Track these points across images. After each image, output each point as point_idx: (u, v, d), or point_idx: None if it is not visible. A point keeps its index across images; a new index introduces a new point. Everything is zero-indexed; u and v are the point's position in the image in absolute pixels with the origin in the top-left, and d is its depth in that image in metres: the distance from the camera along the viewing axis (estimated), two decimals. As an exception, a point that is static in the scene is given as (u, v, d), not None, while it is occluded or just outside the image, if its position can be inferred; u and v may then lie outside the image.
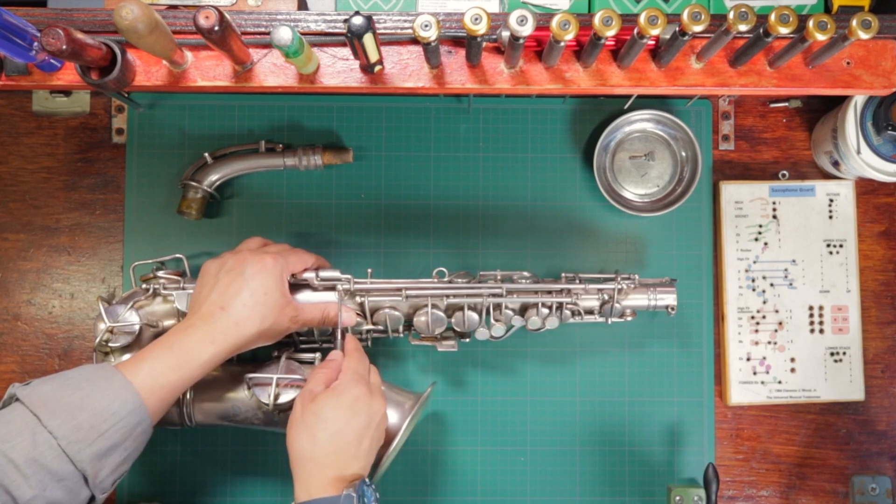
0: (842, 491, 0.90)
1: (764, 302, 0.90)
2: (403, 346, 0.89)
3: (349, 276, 0.80)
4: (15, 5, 0.70)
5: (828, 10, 0.84)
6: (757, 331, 0.90)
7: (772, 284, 0.90)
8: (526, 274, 0.84)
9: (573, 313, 0.83)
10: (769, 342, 0.90)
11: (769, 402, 0.89)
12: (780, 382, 0.89)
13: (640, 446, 0.89)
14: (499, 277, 0.83)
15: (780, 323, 0.90)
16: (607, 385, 0.90)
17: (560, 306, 0.82)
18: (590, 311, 0.83)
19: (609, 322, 0.84)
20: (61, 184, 0.90)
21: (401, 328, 0.83)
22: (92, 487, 0.65)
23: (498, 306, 0.81)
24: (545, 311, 0.81)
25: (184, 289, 0.80)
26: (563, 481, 0.89)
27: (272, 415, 0.78)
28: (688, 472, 0.89)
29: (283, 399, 0.77)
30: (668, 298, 0.84)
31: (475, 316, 0.81)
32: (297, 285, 0.79)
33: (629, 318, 0.84)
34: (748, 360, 0.89)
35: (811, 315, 0.90)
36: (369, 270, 0.81)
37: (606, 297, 0.83)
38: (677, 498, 0.87)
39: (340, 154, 0.88)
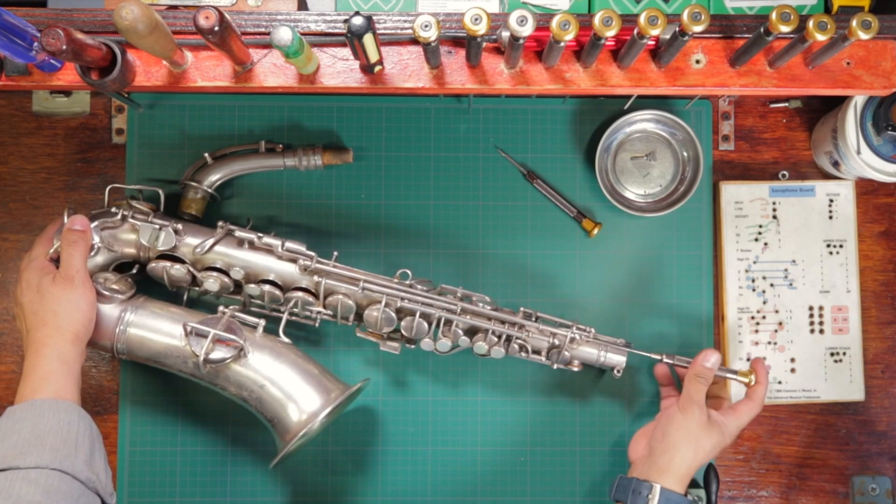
0: (842, 491, 0.90)
1: (764, 302, 0.90)
2: (349, 335, 0.88)
3: (313, 254, 0.80)
4: (15, 5, 0.70)
5: (828, 10, 0.84)
6: (757, 331, 0.90)
7: (772, 285, 0.90)
8: (487, 299, 0.84)
9: (521, 349, 0.83)
10: (769, 342, 0.90)
11: (769, 403, 0.89)
12: (780, 383, 0.89)
13: (641, 446, 0.89)
14: (459, 295, 0.83)
15: (780, 323, 0.90)
16: (607, 385, 0.90)
17: (509, 339, 0.82)
18: (537, 351, 0.83)
19: (554, 367, 0.84)
20: (61, 184, 0.90)
21: (351, 317, 0.83)
22: (103, 494, 0.67)
23: (449, 322, 0.81)
24: (494, 338, 0.81)
25: (152, 223, 0.80)
26: (563, 481, 0.89)
27: (200, 367, 0.77)
28: (688, 472, 0.89)
29: (215, 355, 0.77)
30: (617, 360, 0.83)
31: (425, 325, 0.81)
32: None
33: (575, 369, 0.84)
34: (748, 360, 0.89)
35: (811, 315, 0.90)
36: (335, 253, 0.82)
37: (556, 342, 0.82)
38: (677, 498, 0.87)
39: (340, 154, 0.88)
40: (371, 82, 0.74)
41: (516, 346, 0.82)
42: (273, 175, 0.90)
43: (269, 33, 0.73)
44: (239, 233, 0.81)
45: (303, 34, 0.72)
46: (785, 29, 0.65)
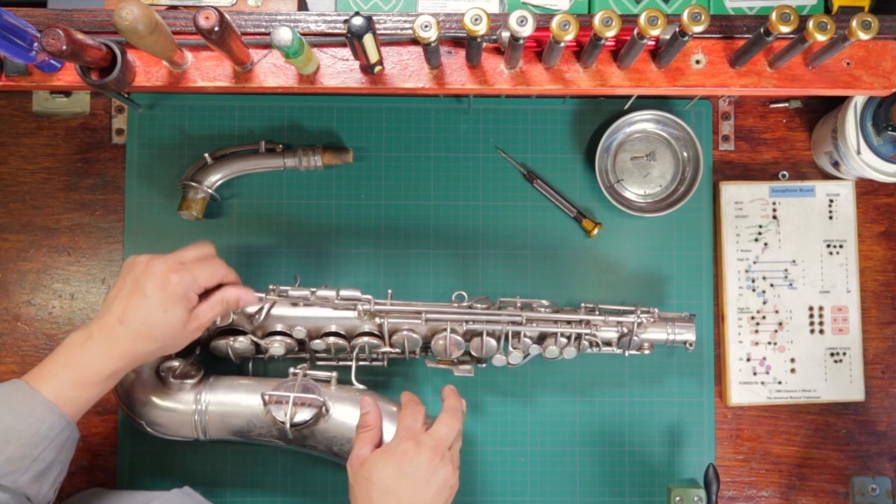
0: (842, 491, 0.90)
1: (764, 302, 0.90)
2: (419, 368, 0.89)
3: (370, 297, 0.80)
4: (15, 5, 0.70)
5: (828, 10, 0.84)
6: (757, 331, 0.90)
7: (772, 285, 0.90)
8: (545, 302, 0.84)
9: (591, 344, 0.83)
10: (769, 342, 0.89)
11: (769, 403, 0.89)
12: (780, 383, 0.89)
13: (640, 446, 0.89)
14: (518, 305, 0.83)
15: (780, 323, 0.90)
16: (607, 385, 0.90)
17: (578, 337, 0.82)
18: (608, 343, 0.83)
19: (626, 354, 0.85)
20: (61, 184, 0.90)
21: (418, 350, 0.84)
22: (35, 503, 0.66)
23: (517, 334, 0.81)
24: (563, 340, 0.81)
25: None
26: (563, 481, 0.89)
27: (287, 433, 0.78)
28: (688, 472, 0.89)
29: (299, 418, 0.77)
30: (687, 334, 0.83)
31: (493, 342, 0.81)
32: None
33: (647, 352, 0.85)
34: (748, 360, 0.89)
35: (811, 315, 0.90)
36: (389, 291, 0.82)
37: (625, 329, 0.82)
38: (677, 498, 0.87)
39: (340, 154, 0.88)
40: (371, 82, 0.74)
41: (587, 343, 0.82)
42: (273, 175, 0.90)
43: (269, 33, 0.73)
44: (292, 292, 0.80)
45: (303, 34, 0.72)
46: (785, 29, 0.65)
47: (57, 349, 0.69)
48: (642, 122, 0.89)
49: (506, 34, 0.71)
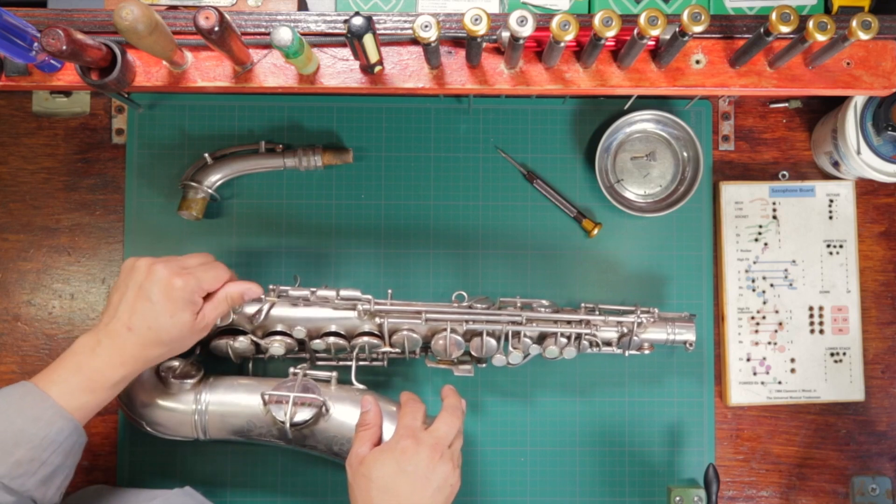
0: (842, 491, 0.90)
1: (764, 302, 0.90)
2: (419, 368, 0.89)
3: (370, 297, 0.80)
4: (15, 5, 0.70)
5: (828, 10, 0.84)
6: (757, 331, 0.90)
7: (772, 285, 0.90)
8: (545, 302, 0.84)
9: (591, 344, 0.83)
10: (769, 342, 0.89)
11: (769, 403, 0.89)
12: (780, 383, 0.89)
13: (640, 446, 0.89)
14: (518, 305, 0.83)
15: (780, 323, 0.90)
16: (607, 385, 0.90)
17: (578, 337, 0.82)
18: (608, 343, 0.83)
19: (626, 354, 0.85)
20: (61, 184, 0.90)
21: (418, 350, 0.84)
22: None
23: (517, 334, 0.81)
24: (563, 340, 0.81)
25: None
26: (563, 481, 0.89)
27: (287, 432, 0.78)
28: (688, 472, 0.89)
29: (299, 418, 0.77)
30: (687, 334, 0.83)
31: (493, 342, 0.81)
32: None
33: (647, 352, 0.85)
34: (748, 360, 0.89)
35: (811, 315, 0.90)
36: (389, 291, 0.81)
37: (625, 329, 0.82)
38: (677, 498, 0.87)
39: (340, 154, 0.88)
40: (371, 82, 0.74)
41: (587, 343, 0.82)
42: (273, 175, 0.90)
43: (269, 33, 0.73)
44: (292, 292, 0.80)
45: (303, 34, 0.72)
46: (785, 29, 0.65)
47: (65, 353, 0.69)
48: (642, 122, 0.89)
49: (506, 34, 0.71)
